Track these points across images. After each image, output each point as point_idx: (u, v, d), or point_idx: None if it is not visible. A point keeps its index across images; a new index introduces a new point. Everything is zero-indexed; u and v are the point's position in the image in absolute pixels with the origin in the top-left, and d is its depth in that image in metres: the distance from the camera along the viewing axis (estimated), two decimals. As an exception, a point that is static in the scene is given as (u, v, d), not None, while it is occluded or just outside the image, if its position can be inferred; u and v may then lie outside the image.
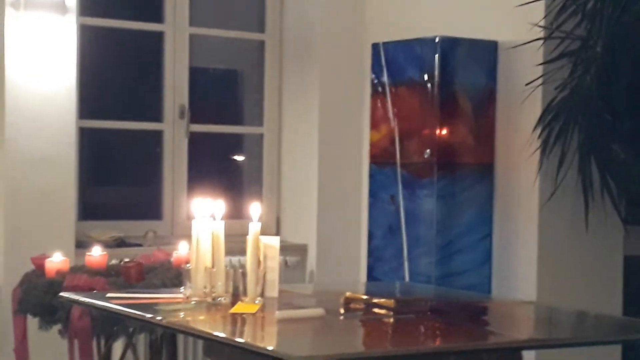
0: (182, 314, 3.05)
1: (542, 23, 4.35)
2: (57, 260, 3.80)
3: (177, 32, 5.13)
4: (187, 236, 4.43)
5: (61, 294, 3.31)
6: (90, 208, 5.01)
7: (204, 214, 3.23)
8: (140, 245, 4.92)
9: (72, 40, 4.59)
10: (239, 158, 5.74)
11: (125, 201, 5.34)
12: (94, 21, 4.90)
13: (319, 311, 3.00)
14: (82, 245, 4.67)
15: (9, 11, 4.42)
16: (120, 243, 4.88)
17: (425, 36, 4.58)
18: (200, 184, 5.20)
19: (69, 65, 4.60)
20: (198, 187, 5.16)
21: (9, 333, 4.22)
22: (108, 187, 5.31)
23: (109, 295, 3.18)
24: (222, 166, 5.62)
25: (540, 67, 4.36)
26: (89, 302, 3.17)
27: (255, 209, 3.20)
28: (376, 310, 3.12)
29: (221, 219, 3.18)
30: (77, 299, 3.20)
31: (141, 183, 5.37)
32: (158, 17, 5.11)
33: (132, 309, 3.07)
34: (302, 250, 5.27)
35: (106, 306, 3.08)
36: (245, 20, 5.50)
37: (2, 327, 4.38)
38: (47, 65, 4.54)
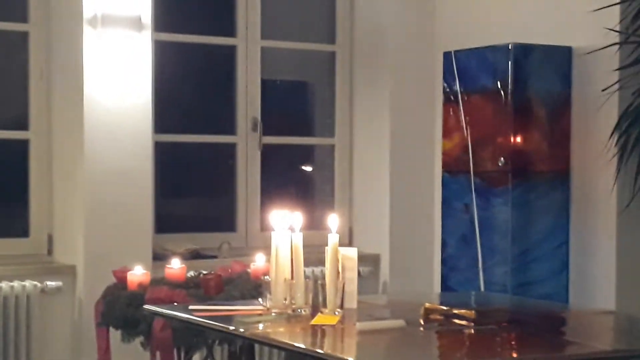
0: (262, 326, 3.07)
1: (617, 28, 4.29)
2: (138, 273, 3.87)
3: (249, 46, 5.19)
4: (261, 248, 4.51)
5: (144, 306, 3.36)
6: (166, 221, 5.08)
7: (283, 226, 3.24)
8: (215, 257, 4.98)
9: (148, 55, 4.68)
10: (311, 169, 5.76)
11: (199, 213, 5.41)
12: (168, 37, 4.99)
13: (399, 322, 2.99)
14: (158, 257, 4.74)
15: (86, 29, 4.52)
16: (195, 255, 4.93)
17: (497, 43, 4.55)
18: (273, 195, 5.24)
19: (145, 81, 4.68)
20: (271, 198, 5.20)
21: (91, 345, 4.32)
22: (183, 200, 5.39)
23: (191, 307, 3.22)
24: (294, 177, 5.65)
25: (616, 73, 4.30)
26: (171, 314, 3.21)
27: (333, 220, 3.21)
28: (456, 321, 3.10)
29: (300, 231, 3.20)
30: (160, 312, 3.25)
31: (215, 195, 5.43)
32: (231, 31, 5.17)
33: (213, 321, 3.10)
34: (375, 260, 5.27)
35: (189, 318, 3.12)
36: (316, 31, 5.54)
37: (84, 339, 4.48)
38: (124, 81, 4.63)
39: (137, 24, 4.61)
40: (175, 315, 3.20)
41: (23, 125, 4.74)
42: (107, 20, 4.53)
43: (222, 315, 3.21)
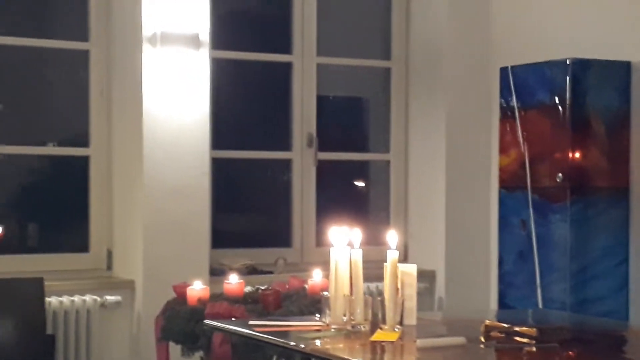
0: (320, 342, 3.07)
1: (677, 42, 4.24)
2: (197, 289, 3.90)
3: (305, 62, 5.23)
4: (316, 263, 4.52)
5: (205, 321, 3.39)
6: (222, 236, 5.12)
7: (342, 242, 3.25)
8: (270, 272, 5.00)
9: (205, 73, 4.74)
10: (366, 185, 5.77)
11: (255, 229, 5.44)
12: (225, 54, 5.04)
13: (460, 340, 2.97)
14: (214, 272, 4.78)
15: (146, 47, 4.59)
16: (251, 270, 4.96)
17: (555, 58, 4.52)
18: (328, 211, 5.25)
19: (203, 98, 4.74)
20: (326, 214, 5.22)
21: (150, 359, 4.37)
22: (239, 215, 5.43)
23: (251, 322, 3.24)
24: (349, 193, 5.66)
25: (677, 88, 4.24)
26: (233, 329, 3.24)
27: (392, 236, 3.21)
28: (517, 338, 3.08)
29: (359, 247, 3.20)
30: (222, 327, 3.27)
31: (271, 211, 5.46)
32: (287, 48, 5.21)
33: (273, 336, 3.12)
34: (430, 276, 5.25)
35: (250, 333, 3.14)
36: (371, 47, 5.56)
37: (143, 354, 4.53)
38: (182, 98, 4.69)
39: (195, 41, 4.67)
40: (237, 330, 3.22)
41: (84, 142, 4.82)
42: (166, 39, 4.60)
43: (281, 330, 3.22)
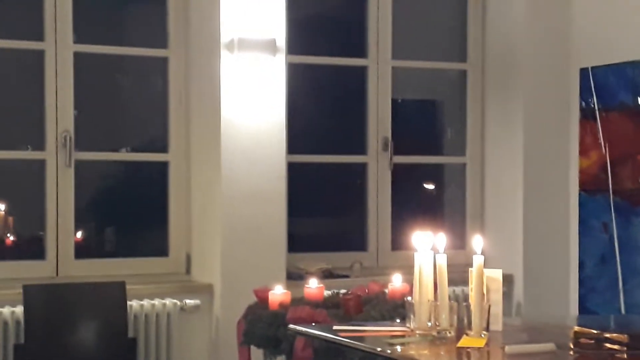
0: (400, 348, 3.05)
1: None
2: (279, 293, 3.92)
3: (380, 66, 5.22)
4: (392, 267, 4.51)
5: (289, 326, 3.40)
6: (298, 240, 5.14)
7: (425, 247, 3.23)
8: (347, 276, 5.00)
9: (282, 78, 4.76)
10: (441, 188, 5.73)
11: (331, 233, 5.45)
12: (301, 59, 5.05)
13: (549, 346, 2.93)
14: (291, 276, 4.79)
15: (224, 53, 4.63)
16: (327, 274, 4.96)
17: (637, 59, 4.43)
18: (404, 214, 5.23)
19: (279, 103, 4.76)
20: (401, 218, 5.20)
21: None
22: (314, 219, 5.44)
23: (335, 327, 3.24)
24: (424, 196, 5.63)
25: None
26: (318, 334, 3.24)
27: (477, 241, 3.18)
28: (608, 345, 3.02)
29: (444, 252, 3.18)
30: (306, 332, 3.28)
31: (346, 215, 5.46)
32: (362, 52, 5.21)
33: (357, 341, 3.12)
34: (508, 281, 5.17)
35: (335, 339, 3.14)
36: (446, 50, 5.52)
37: (222, 357, 4.56)
38: (259, 103, 4.72)
39: (271, 47, 4.69)
40: (321, 335, 3.22)
41: (158, 147, 4.89)
42: (243, 45, 4.63)
43: (366, 335, 3.21)
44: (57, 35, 4.62)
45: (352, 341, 3.09)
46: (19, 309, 4.29)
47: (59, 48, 4.63)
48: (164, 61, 4.86)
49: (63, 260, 4.64)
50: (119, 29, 5.04)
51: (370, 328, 3.31)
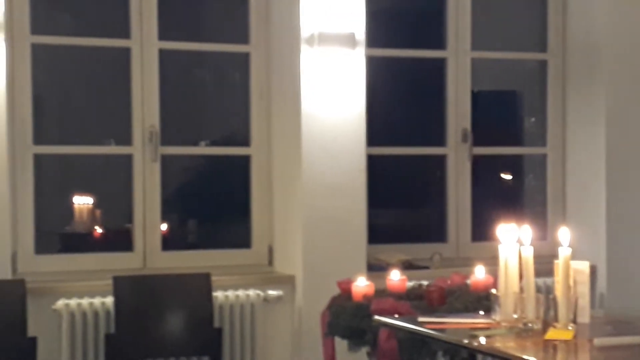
0: (488, 340, 3.07)
1: None
2: (362, 285, 3.96)
3: (459, 58, 5.20)
4: (473, 258, 4.51)
5: (374, 317, 3.45)
6: (377, 231, 5.17)
7: (509, 239, 3.24)
8: (427, 267, 5.01)
9: (361, 71, 4.79)
10: (521, 179, 5.70)
11: (410, 224, 5.47)
12: (380, 52, 5.08)
13: (638, 339, 2.91)
14: (371, 268, 4.83)
15: (304, 47, 4.69)
16: (407, 266, 4.98)
17: None
18: (484, 206, 5.22)
19: (359, 96, 4.80)
20: (481, 209, 5.19)
21: (311, 352, 4.47)
22: (394, 211, 5.47)
23: (421, 319, 3.28)
24: (504, 187, 5.61)
25: None
26: (403, 326, 3.28)
27: (564, 233, 3.17)
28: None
29: (530, 245, 3.18)
30: (392, 323, 3.32)
31: (425, 206, 5.48)
32: (440, 44, 5.20)
33: (443, 333, 3.15)
34: (591, 272, 5.09)
35: (421, 330, 3.18)
36: (526, 40, 5.48)
37: (305, 347, 4.63)
38: (339, 96, 4.76)
39: (351, 41, 4.73)
40: (406, 327, 3.26)
41: (243, 141, 4.97)
42: (323, 39, 4.68)
43: (451, 327, 3.24)
44: (143, 33, 4.74)
45: (437, 333, 3.12)
46: (109, 300, 4.43)
47: (145, 45, 4.74)
48: (244, 56, 4.94)
49: (150, 252, 4.77)
50: (201, 25, 5.14)
51: (455, 320, 3.33)
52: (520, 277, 3.22)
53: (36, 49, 4.58)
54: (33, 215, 4.58)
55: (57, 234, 5.00)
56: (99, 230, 5.04)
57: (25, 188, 4.57)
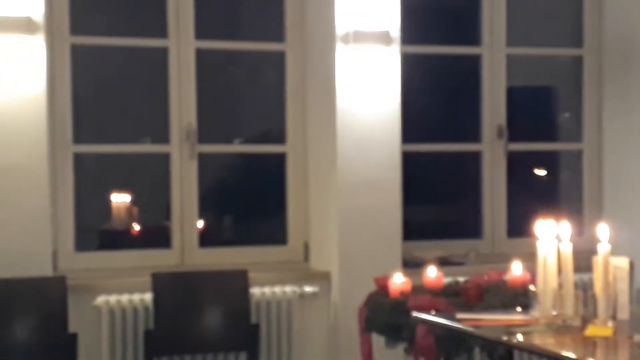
0: (527, 336, 3.07)
1: None
2: (399, 281, 3.98)
3: (494, 54, 5.20)
4: (508, 254, 4.50)
5: (412, 313, 3.46)
6: (412, 228, 5.18)
7: (548, 235, 3.24)
8: (462, 264, 5.02)
9: (396, 68, 4.80)
10: (556, 174, 5.68)
11: (445, 221, 5.47)
12: (415, 49, 5.08)
13: (679, 335, 2.91)
14: (406, 264, 4.84)
15: (339, 45, 4.71)
16: (443, 262, 4.98)
17: None
18: (519, 201, 5.21)
19: (393, 93, 4.81)
20: (517, 205, 5.18)
21: (348, 348, 4.50)
22: (428, 207, 5.47)
23: (459, 316, 3.29)
24: (539, 183, 5.60)
25: None
26: (441, 322, 3.29)
27: (603, 229, 3.17)
28: None
29: (569, 241, 3.18)
30: (430, 320, 3.34)
31: (460, 202, 5.48)
32: (475, 40, 5.20)
33: (480, 329, 3.15)
34: (629, 268, 5.09)
35: (460, 327, 3.19)
36: (561, 35, 5.46)
37: (341, 343, 4.66)
38: (374, 94, 4.78)
39: (386, 38, 4.74)
40: (444, 323, 3.28)
41: (279, 139, 5.00)
42: (358, 37, 4.70)
43: (488, 324, 3.25)
44: (180, 32, 4.79)
45: (475, 329, 3.13)
46: (148, 296, 4.48)
47: (182, 44, 4.79)
48: (279, 54, 4.97)
49: (188, 248, 4.82)
50: (236, 24, 5.18)
51: (493, 317, 3.34)
52: (559, 273, 3.22)
53: (75, 49, 4.65)
54: (73, 213, 4.65)
55: (95, 232, 5.07)
56: (136, 227, 5.10)
57: (65, 186, 4.64)
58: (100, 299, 4.44)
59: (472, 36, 5.21)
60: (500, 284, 3.99)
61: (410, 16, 4.98)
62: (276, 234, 4.99)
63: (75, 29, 4.65)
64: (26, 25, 4.32)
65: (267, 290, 4.67)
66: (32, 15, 4.35)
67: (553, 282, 3.19)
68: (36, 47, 4.37)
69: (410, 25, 4.95)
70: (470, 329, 3.16)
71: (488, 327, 3.21)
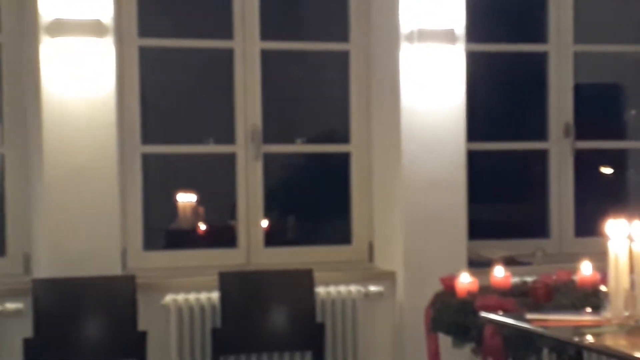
0: (599, 338, 3.03)
1: None
2: (466, 281, 3.96)
3: (561, 51, 5.13)
4: (576, 254, 4.43)
5: (481, 313, 3.44)
6: (478, 227, 5.13)
7: (620, 235, 3.19)
8: (529, 263, 4.96)
9: (461, 67, 4.77)
10: (624, 173, 5.58)
11: (511, 220, 5.43)
12: (480, 47, 5.04)
13: None
14: (472, 263, 4.80)
15: (403, 44, 4.70)
16: (509, 261, 4.93)
17: None
18: (586, 200, 5.13)
19: (458, 92, 4.78)
20: (584, 203, 5.10)
21: (413, 348, 4.49)
22: (494, 206, 5.43)
23: (529, 316, 3.26)
24: (605, 181, 5.51)
25: None
26: (512, 323, 3.27)
27: (675, 229, 3.11)
28: None
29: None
30: (499, 320, 3.31)
31: (527, 201, 5.42)
32: (542, 38, 5.14)
33: (549, 330, 3.12)
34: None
35: (529, 327, 3.16)
36: (628, 32, 5.36)
37: (406, 343, 4.65)
38: (438, 92, 4.76)
39: (450, 36, 4.72)
40: (516, 324, 3.25)
41: (343, 138, 5.01)
42: (422, 35, 4.68)
43: (558, 324, 3.21)
44: (245, 34, 4.83)
45: (545, 330, 3.10)
46: (215, 295, 4.53)
47: (247, 45, 4.83)
48: (342, 53, 4.97)
49: (253, 248, 4.86)
50: (300, 24, 5.20)
51: (562, 317, 3.30)
52: (630, 273, 3.17)
53: (143, 51, 4.72)
54: (142, 212, 4.72)
55: (163, 231, 5.14)
56: (202, 227, 5.16)
57: (133, 186, 4.72)
58: (169, 298, 4.51)
59: (538, 33, 5.15)
60: (570, 284, 3.94)
61: (475, 14, 4.94)
62: (340, 234, 5.00)
63: (143, 31, 4.72)
64: (96, 28, 4.40)
65: (332, 289, 4.68)
66: (101, 18, 4.43)
67: (625, 282, 3.14)
68: (105, 49, 4.45)
69: (475, 22, 4.92)
70: (540, 330, 3.13)
71: (557, 328, 3.17)
